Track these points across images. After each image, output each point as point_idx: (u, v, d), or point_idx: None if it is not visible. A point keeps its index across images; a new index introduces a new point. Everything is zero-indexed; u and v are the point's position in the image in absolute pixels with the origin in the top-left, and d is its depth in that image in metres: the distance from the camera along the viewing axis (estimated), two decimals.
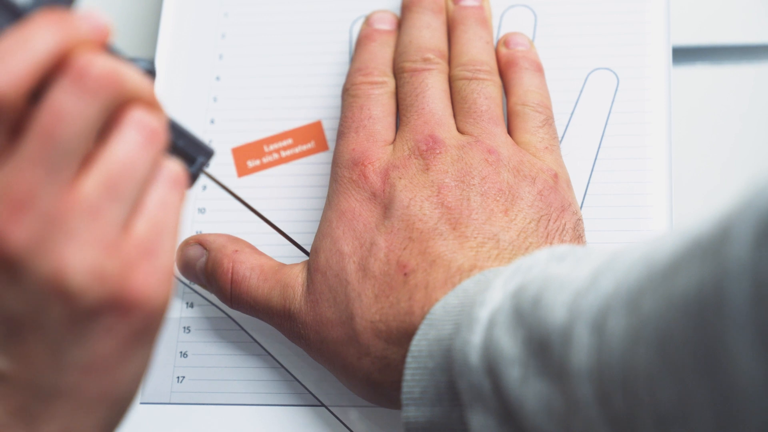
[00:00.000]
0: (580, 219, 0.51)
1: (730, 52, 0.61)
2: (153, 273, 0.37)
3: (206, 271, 0.53)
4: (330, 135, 0.59)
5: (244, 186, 0.58)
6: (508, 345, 0.40)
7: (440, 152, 0.50)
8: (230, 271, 0.52)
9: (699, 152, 0.58)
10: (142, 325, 0.37)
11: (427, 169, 0.50)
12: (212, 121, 0.60)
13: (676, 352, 0.33)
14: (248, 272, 0.52)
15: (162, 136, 0.37)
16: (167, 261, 0.37)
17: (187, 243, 0.54)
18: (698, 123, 0.59)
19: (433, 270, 0.47)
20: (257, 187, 0.58)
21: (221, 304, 0.56)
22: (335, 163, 0.52)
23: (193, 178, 0.42)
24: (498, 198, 0.49)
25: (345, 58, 0.60)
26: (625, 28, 0.58)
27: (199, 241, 0.54)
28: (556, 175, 0.51)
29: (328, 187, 0.52)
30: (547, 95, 0.54)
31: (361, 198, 0.50)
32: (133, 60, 0.39)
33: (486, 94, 0.53)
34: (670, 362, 0.33)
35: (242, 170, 0.59)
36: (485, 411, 0.41)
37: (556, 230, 0.49)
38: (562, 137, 0.56)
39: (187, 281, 0.56)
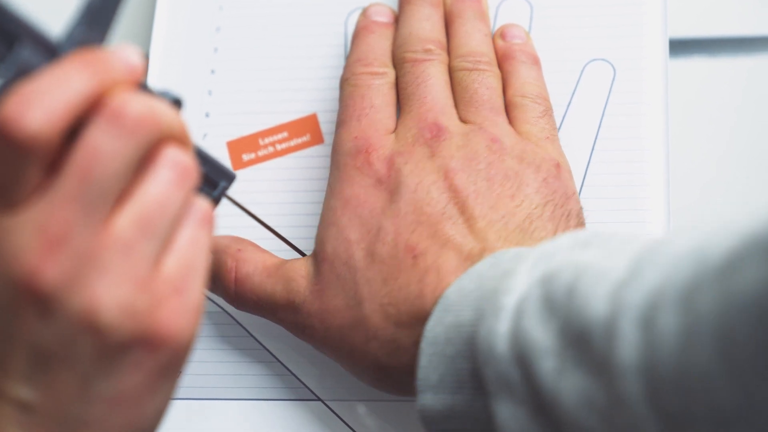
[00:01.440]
0: (581, 208, 0.51)
1: (727, 45, 0.61)
2: (181, 310, 0.37)
3: (210, 272, 0.52)
4: (325, 128, 0.58)
5: (239, 179, 0.58)
6: (541, 335, 0.39)
7: (445, 139, 0.50)
8: (234, 269, 0.51)
9: (695, 144, 0.58)
10: (168, 360, 0.38)
11: (433, 155, 0.50)
12: (207, 115, 0.60)
13: (739, 352, 0.32)
14: (251, 269, 0.51)
15: (194, 174, 0.38)
16: (196, 298, 0.38)
17: None
18: (695, 115, 0.59)
19: (443, 253, 0.47)
20: (253, 180, 0.58)
21: (217, 299, 0.55)
22: (336, 152, 0.52)
23: (215, 201, 0.43)
24: (504, 183, 0.49)
25: (340, 51, 0.60)
26: (622, 20, 0.58)
27: None
28: (558, 165, 0.51)
29: (329, 176, 0.52)
30: (545, 87, 0.54)
31: (366, 184, 0.50)
32: (162, 93, 0.39)
33: (487, 84, 0.53)
34: (731, 362, 0.33)
35: (237, 164, 0.58)
36: (513, 401, 0.40)
37: (562, 216, 0.49)
38: (559, 128, 0.56)
39: None
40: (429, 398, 0.44)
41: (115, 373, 0.37)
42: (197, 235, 0.38)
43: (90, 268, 0.35)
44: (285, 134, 0.59)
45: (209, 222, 0.39)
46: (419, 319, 0.46)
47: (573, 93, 0.57)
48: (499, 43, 0.55)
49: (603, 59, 0.57)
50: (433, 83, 0.52)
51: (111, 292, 0.36)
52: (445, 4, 0.56)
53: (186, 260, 0.38)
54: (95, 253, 0.35)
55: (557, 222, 0.49)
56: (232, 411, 0.54)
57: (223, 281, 0.52)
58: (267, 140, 0.59)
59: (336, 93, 0.57)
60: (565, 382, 0.38)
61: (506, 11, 0.59)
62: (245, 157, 0.58)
